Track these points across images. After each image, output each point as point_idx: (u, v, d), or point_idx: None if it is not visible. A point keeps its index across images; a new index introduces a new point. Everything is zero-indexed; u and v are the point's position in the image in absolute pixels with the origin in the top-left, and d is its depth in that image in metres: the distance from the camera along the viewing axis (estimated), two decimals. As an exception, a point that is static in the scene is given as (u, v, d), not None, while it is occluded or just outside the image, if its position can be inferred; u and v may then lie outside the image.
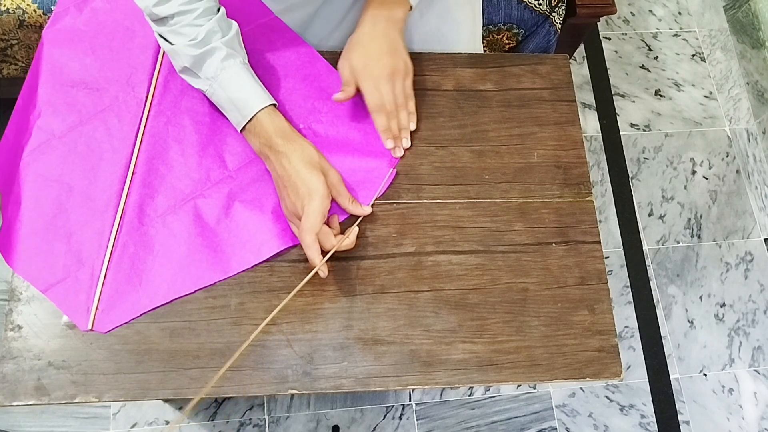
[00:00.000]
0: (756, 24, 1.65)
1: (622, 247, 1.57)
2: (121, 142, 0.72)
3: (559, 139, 0.79)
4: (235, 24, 0.70)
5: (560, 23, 1.24)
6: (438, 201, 0.74)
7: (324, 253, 0.65)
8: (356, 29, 0.75)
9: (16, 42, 1.14)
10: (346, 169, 0.74)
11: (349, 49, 0.74)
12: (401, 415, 1.37)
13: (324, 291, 0.69)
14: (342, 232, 0.69)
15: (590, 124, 1.69)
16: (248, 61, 0.70)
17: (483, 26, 0.98)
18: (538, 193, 0.76)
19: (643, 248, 1.58)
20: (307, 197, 0.64)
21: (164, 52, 0.76)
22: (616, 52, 1.78)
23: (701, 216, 1.62)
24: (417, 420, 1.37)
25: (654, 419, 1.43)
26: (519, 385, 1.42)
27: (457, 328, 0.69)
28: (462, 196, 0.75)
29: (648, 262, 1.57)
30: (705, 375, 1.48)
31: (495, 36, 1.22)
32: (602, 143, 1.67)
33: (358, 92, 0.74)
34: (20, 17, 1.10)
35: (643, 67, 1.77)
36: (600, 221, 1.58)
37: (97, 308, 0.65)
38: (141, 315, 0.66)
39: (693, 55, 1.80)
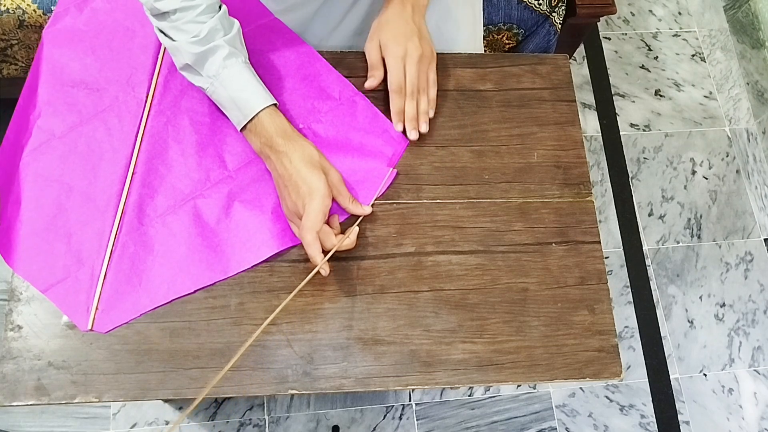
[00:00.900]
0: (756, 24, 1.65)
1: (622, 247, 1.57)
2: (121, 142, 0.72)
3: (559, 139, 0.79)
4: (236, 22, 0.70)
5: (560, 23, 1.24)
6: (438, 201, 0.74)
7: (325, 252, 0.65)
8: (383, 12, 0.75)
9: (16, 42, 1.14)
10: (346, 169, 0.74)
11: (378, 29, 0.74)
12: (401, 415, 1.37)
13: (324, 291, 0.69)
14: (342, 232, 0.69)
15: (590, 124, 1.69)
16: (248, 60, 0.70)
17: (483, 26, 0.98)
18: (538, 193, 0.76)
19: (643, 248, 1.58)
20: (308, 196, 0.64)
21: (164, 51, 0.76)
22: (616, 52, 1.78)
23: (701, 216, 1.62)
24: (417, 420, 1.37)
25: (654, 419, 1.43)
26: (519, 385, 1.42)
27: (457, 328, 0.69)
28: (462, 196, 0.75)
29: (648, 262, 1.57)
30: (705, 375, 1.48)
31: (495, 36, 1.22)
32: (602, 143, 1.67)
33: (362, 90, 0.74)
34: (20, 17, 1.10)
35: (643, 67, 1.77)
36: (600, 221, 1.58)
37: (97, 308, 0.65)
38: (141, 315, 0.66)
39: (693, 55, 1.80)
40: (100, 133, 0.72)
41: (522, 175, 0.77)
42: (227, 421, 1.31)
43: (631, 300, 1.53)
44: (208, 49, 0.66)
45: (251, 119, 0.67)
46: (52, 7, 1.08)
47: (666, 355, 1.49)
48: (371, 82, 0.75)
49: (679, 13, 1.86)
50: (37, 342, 0.65)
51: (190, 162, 0.72)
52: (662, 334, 1.50)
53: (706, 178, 1.67)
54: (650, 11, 1.85)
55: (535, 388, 1.43)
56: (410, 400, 1.38)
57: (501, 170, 0.77)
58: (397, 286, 0.70)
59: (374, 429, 1.35)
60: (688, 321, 1.52)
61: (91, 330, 0.65)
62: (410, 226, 0.73)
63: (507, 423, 1.39)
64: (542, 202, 0.76)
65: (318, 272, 0.65)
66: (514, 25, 1.21)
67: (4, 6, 1.08)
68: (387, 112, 0.77)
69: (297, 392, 0.65)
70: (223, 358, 0.65)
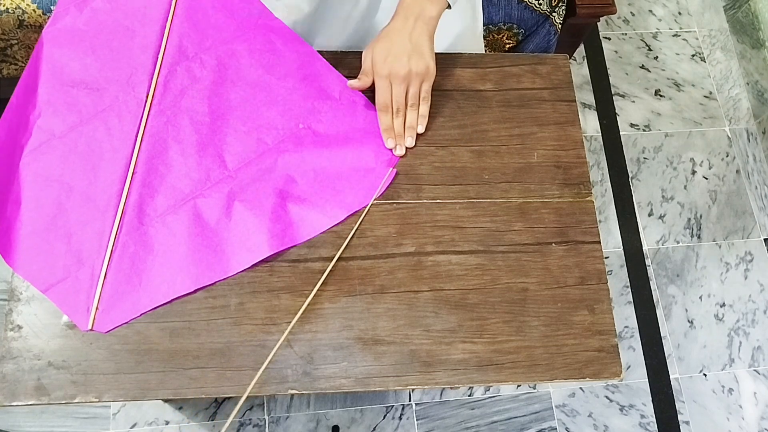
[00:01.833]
0: (756, 24, 1.65)
1: (622, 247, 1.57)
2: (121, 142, 0.72)
3: (559, 139, 0.79)
4: None
5: (560, 23, 1.24)
6: (438, 201, 0.74)
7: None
8: (389, 22, 0.75)
9: (15, 42, 1.14)
10: (346, 168, 0.74)
11: (377, 40, 0.74)
12: (401, 415, 1.37)
13: (324, 291, 0.69)
14: (341, 232, 0.69)
15: (590, 124, 1.69)
16: (248, 60, 0.70)
17: (483, 26, 0.98)
18: (538, 193, 0.76)
19: (643, 248, 1.58)
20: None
21: (164, 51, 0.76)
22: (616, 52, 1.78)
23: (701, 216, 1.62)
24: (417, 420, 1.37)
25: (654, 419, 1.43)
26: (519, 385, 1.42)
27: (457, 328, 0.69)
28: (462, 196, 0.75)
29: (648, 262, 1.57)
30: (705, 375, 1.48)
31: (495, 36, 1.22)
32: (602, 143, 1.67)
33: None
34: (20, 17, 1.10)
35: (643, 67, 1.77)
36: (600, 221, 1.58)
37: (97, 308, 0.65)
38: (141, 315, 0.66)
39: (693, 55, 1.80)
40: (100, 133, 0.72)
41: (522, 175, 0.77)
42: (227, 421, 1.31)
43: (631, 300, 1.53)
44: None
45: None
46: (52, 7, 1.08)
47: (666, 355, 1.49)
48: (355, 83, 0.75)
49: (679, 13, 1.86)
50: (37, 342, 0.65)
51: (190, 162, 0.72)
52: (662, 334, 1.50)
53: (706, 178, 1.67)
54: (650, 11, 1.85)
55: (535, 388, 1.43)
56: (410, 400, 1.38)
57: (501, 170, 0.77)
58: (397, 286, 0.70)
59: (374, 429, 1.35)
60: (688, 321, 1.52)
61: (91, 330, 0.65)
62: (410, 226, 0.73)
63: (507, 423, 1.39)
64: (542, 202, 0.76)
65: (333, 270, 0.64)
66: (514, 25, 1.21)
67: (4, 6, 1.08)
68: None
69: (297, 392, 0.65)
70: (223, 358, 0.65)
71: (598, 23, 1.31)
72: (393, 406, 1.37)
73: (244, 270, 0.69)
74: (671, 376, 1.47)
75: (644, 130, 1.70)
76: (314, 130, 0.76)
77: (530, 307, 0.71)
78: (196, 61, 0.76)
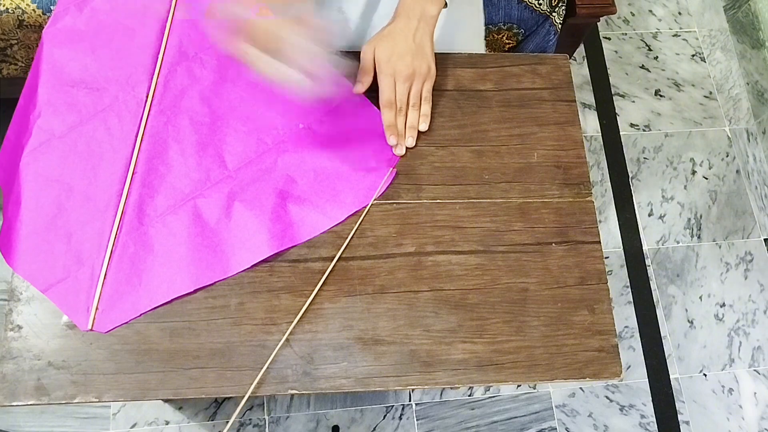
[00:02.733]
0: (756, 24, 1.65)
1: (622, 247, 1.57)
2: (121, 142, 0.72)
3: (559, 139, 0.79)
4: None
5: (560, 23, 1.24)
6: (438, 201, 0.74)
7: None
8: (390, 22, 0.75)
9: (15, 42, 1.14)
10: (346, 168, 0.74)
11: (378, 39, 0.74)
12: (401, 415, 1.37)
13: (324, 291, 0.69)
14: (342, 233, 0.69)
15: (590, 124, 1.69)
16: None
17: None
18: (538, 193, 0.76)
19: (643, 248, 1.58)
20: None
21: (164, 51, 0.76)
22: (616, 52, 1.78)
23: (701, 216, 1.63)
24: (417, 420, 1.37)
25: (654, 419, 1.43)
26: (519, 385, 1.42)
27: (457, 328, 0.69)
28: (462, 196, 0.75)
29: (648, 262, 1.57)
30: (705, 375, 1.48)
31: (495, 36, 1.22)
32: (602, 143, 1.67)
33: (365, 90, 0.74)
34: (20, 17, 1.10)
35: (643, 67, 1.77)
36: (600, 221, 1.58)
37: (97, 308, 0.65)
38: (141, 315, 0.66)
39: (693, 55, 1.80)
40: (100, 133, 0.72)
41: (522, 175, 0.77)
42: (227, 421, 1.31)
43: (631, 300, 1.53)
44: None
45: None
46: (52, 7, 1.08)
47: (666, 355, 1.49)
48: (359, 88, 0.75)
49: (679, 13, 1.86)
50: (37, 342, 0.65)
51: (190, 162, 0.72)
52: (662, 334, 1.50)
53: (706, 178, 1.67)
54: (650, 11, 1.85)
55: (535, 388, 1.43)
56: (410, 400, 1.38)
57: (501, 170, 0.77)
58: (397, 286, 0.70)
59: (374, 429, 1.35)
60: (688, 321, 1.52)
61: (91, 330, 0.65)
62: (410, 226, 0.73)
63: (507, 423, 1.39)
64: (542, 202, 0.76)
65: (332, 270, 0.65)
66: (514, 25, 1.21)
67: (4, 6, 1.08)
68: (387, 112, 0.77)
69: (297, 392, 0.65)
70: (223, 358, 0.65)
71: (598, 23, 1.31)
72: (393, 406, 1.37)
73: (244, 270, 0.69)
74: (671, 376, 1.47)
75: (644, 130, 1.70)
76: (314, 130, 0.76)
77: (530, 307, 0.71)
78: (196, 61, 0.77)
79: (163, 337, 0.65)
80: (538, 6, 1.19)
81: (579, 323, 0.70)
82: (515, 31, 1.22)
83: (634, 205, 1.62)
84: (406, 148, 0.76)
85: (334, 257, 0.70)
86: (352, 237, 0.71)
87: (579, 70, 1.74)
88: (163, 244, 0.68)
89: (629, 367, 1.47)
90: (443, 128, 0.78)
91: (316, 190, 0.73)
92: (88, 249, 0.67)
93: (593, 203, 0.76)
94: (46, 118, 0.72)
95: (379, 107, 0.77)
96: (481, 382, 0.67)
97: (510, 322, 0.70)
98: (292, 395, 1.20)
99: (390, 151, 0.76)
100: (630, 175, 1.65)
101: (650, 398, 1.45)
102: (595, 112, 1.70)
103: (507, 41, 1.24)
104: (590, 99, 1.72)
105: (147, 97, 0.74)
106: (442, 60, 0.81)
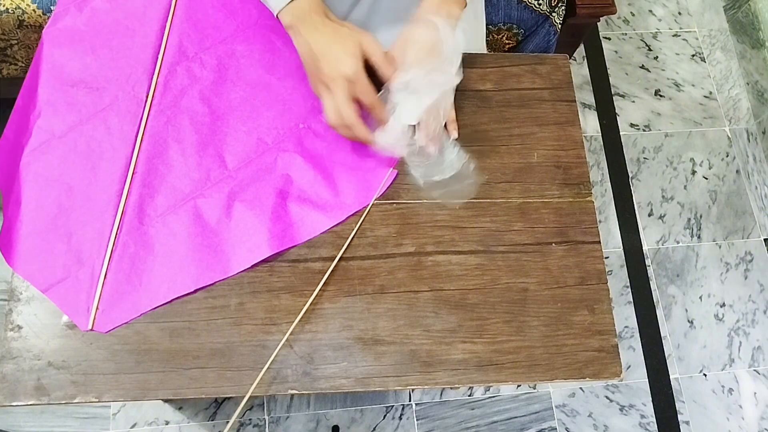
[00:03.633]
0: (756, 24, 1.65)
1: (622, 247, 1.58)
2: (121, 141, 0.72)
3: (559, 139, 0.79)
4: None
5: (560, 23, 1.24)
6: (438, 201, 0.74)
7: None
8: (415, 25, 0.72)
9: (15, 42, 1.14)
10: (346, 168, 0.74)
11: (407, 43, 0.71)
12: (401, 415, 1.37)
13: (324, 291, 0.69)
14: (342, 233, 0.69)
15: (590, 124, 1.69)
16: (248, 60, 0.70)
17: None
18: (538, 193, 0.76)
19: (643, 248, 1.58)
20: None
21: (164, 51, 0.76)
22: (616, 52, 1.78)
23: (701, 216, 1.63)
24: (417, 420, 1.37)
25: (654, 419, 1.43)
26: (519, 385, 1.42)
27: (457, 328, 0.69)
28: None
29: (648, 262, 1.57)
30: (705, 375, 1.48)
31: (495, 36, 1.22)
32: (602, 143, 1.67)
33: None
34: (20, 17, 1.10)
35: (643, 67, 1.77)
36: (600, 221, 1.58)
37: (97, 308, 0.65)
38: (141, 315, 0.66)
39: (693, 55, 1.81)
40: (100, 133, 0.72)
41: (522, 175, 0.77)
42: (227, 421, 1.31)
43: (631, 300, 1.53)
44: None
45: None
46: (52, 7, 1.08)
47: (666, 355, 1.49)
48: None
49: (679, 13, 1.86)
50: (37, 342, 0.65)
51: (190, 162, 0.72)
52: (662, 334, 1.50)
53: (706, 178, 1.67)
54: (650, 11, 1.85)
55: (535, 388, 1.43)
56: (410, 400, 1.38)
57: (501, 170, 0.77)
58: (397, 286, 0.70)
59: (374, 429, 1.35)
60: (688, 321, 1.52)
61: (91, 330, 0.65)
62: (410, 226, 0.73)
63: (507, 423, 1.39)
64: (542, 202, 0.76)
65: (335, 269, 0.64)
66: (514, 25, 1.21)
67: (4, 6, 1.08)
68: (387, 112, 0.77)
69: (297, 392, 0.65)
70: (223, 358, 0.65)
71: (598, 23, 1.31)
72: (393, 406, 1.37)
73: (244, 270, 0.69)
74: (671, 376, 1.47)
75: (644, 130, 1.70)
76: (314, 130, 0.76)
77: (530, 307, 0.71)
78: (196, 60, 0.77)
79: (163, 337, 0.65)
80: (538, 6, 1.19)
81: (579, 323, 0.70)
82: (515, 31, 1.22)
83: (634, 205, 1.62)
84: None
85: (334, 257, 0.70)
86: (352, 237, 0.71)
87: (579, 70, 1.74)
88: (163, 244, 0.68)
89: (629, 367, 1.47)
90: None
91: (316, 190, 0.73)
92: (88, 249, 0.67)
93: (593, 203, 0.76)
94: (46, 117, 0.72)
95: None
96: (481, 382, 0.67)
97: (510, 322, 0.70)
98: (292, 395, 1.20)
99: (390, 151, 0.76)
100: (630, 175, 1.65)
101: (650, 398, 1.45)
102: (595, 112, 1.70)
103: (507, 41, 1.24)
104: (590, 99, 1.72)
105: (147, 96, 0.74)
106: (442, 60, 0.81)
